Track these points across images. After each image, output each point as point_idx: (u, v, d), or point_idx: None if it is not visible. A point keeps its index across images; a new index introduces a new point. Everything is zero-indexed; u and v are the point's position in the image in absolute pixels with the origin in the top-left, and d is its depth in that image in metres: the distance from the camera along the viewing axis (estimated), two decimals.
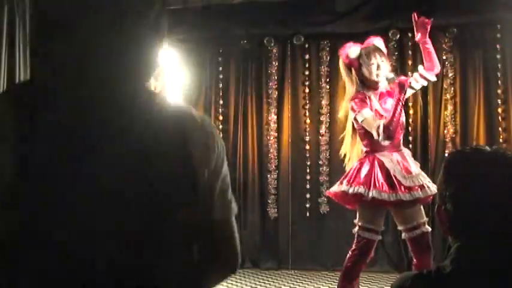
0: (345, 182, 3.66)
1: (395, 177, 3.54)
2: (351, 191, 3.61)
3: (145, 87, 1.10)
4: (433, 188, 3.53)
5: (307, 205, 5.84)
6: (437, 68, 3.76)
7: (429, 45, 3.73)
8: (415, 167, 3.65)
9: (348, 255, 3.73)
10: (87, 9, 1.03)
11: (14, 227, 0.98)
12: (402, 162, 3.60)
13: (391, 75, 3.60)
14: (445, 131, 5.51)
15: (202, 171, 1.09)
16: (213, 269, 1.21)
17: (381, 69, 3.62)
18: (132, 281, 1.01)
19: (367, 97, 3.63)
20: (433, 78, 3.81)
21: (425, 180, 3.60)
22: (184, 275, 1.10)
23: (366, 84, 3.67)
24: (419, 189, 3.55)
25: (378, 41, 3.82)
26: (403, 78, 3.65)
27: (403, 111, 3.58)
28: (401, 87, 3.52)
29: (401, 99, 3.49)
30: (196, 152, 1.07)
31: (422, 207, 3.64)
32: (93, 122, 1.01)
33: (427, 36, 3.70)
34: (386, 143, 3.53)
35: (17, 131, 0.99)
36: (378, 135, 3.44)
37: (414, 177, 3.58)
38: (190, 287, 1.13)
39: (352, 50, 3.75)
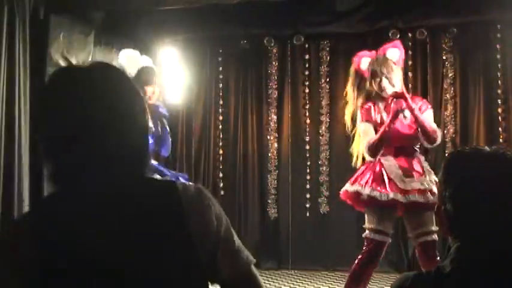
0: (349, 182, 3.75)
1: (392, 180, 3.58)
2: (350, 189, 3.68)
3: (142, 173, 1.22)
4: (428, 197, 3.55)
5: (307, 205, 5.84)
6: (433, 137, 3.65)
7: (416, 112, 3.61)
8: (420, 172, 3.65)
9: (357, 258, 3.71)
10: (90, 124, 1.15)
11: None
12: (404, 166, 3.63)
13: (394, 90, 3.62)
14: (445, 131, 5.51)
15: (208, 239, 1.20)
16: None
17: (386, 85, 3.64)
18: None
19: (375, 106, 3.69)
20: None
21: (432, 186, 3.58)
22: None
23: (376, 94, 3.71)
24: (416, 193, 3.55)
25: (390, 52, 3.75)
26: (399, 101, 3.60)
27: (400, 122, 3.61)
28: (394, 114, 3.58)
29: (389, 124, 3.56)
30: (201, 224, 1.19)
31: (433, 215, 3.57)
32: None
33: (409, 101, 3.61)
34: (371, 159, 3.66)
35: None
36: (366, 151, 3.62)
37: (416, 181, 3.59)
38: None
39: (363, 61, 3.78)
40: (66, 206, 1.15)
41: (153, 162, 4.25)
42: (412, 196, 3.54)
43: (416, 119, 3.59)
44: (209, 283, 1.23)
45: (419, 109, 3.64)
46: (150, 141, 4.11)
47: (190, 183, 1.31)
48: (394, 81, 3.65)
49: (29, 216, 1.23)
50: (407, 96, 3.63)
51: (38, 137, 1.22)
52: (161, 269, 1.12)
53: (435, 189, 3.52)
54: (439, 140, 3.69)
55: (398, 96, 3.59)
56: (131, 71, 4.20)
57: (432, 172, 3.70)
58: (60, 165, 1.17)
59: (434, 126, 3.69)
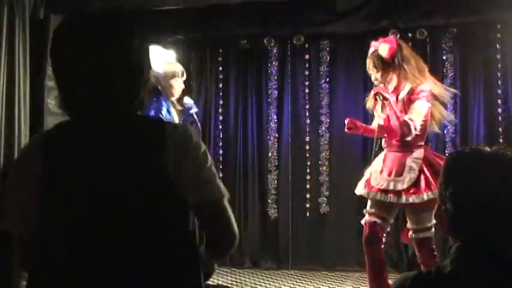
0: None
1: (371, 175, 3.67)
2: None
3: (133, 110, 1.43)
4: (413, 198, 3.52)
5: (307, 205, 5.84)
6: (402, 130, 3.55)
7: (391, 104, 3.56)
8: (399, 171, 3.59)
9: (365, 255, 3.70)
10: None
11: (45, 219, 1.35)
12: (390, 163, 3.63)
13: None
14: (445, 131, 5.51)
15: (184, 166, 1.38)
16: (210, 244, 1.49)
17: (374, 80, 3.72)
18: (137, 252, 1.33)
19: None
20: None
21: (399, 186, 3.55)
22: (183, 250, 1.40)
23: None
24: (391, 194, 3.57)
25: (373, 48, 3.76)
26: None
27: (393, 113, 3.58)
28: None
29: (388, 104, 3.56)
30: (177, 151, 1.38)
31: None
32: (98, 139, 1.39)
33: (386, 94, 3.60)
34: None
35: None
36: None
37: (392, 180, 3.59)
38: (189, 261, 1.41)
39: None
40: (71, 132, 1.42)
41: None
42: (385, 195, 3.59)
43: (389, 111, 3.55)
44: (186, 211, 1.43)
45: (412, 99, 3.54)
46: None
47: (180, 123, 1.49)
48: (380, 77, 3.63)
49: (44, 134, 1.49)
50: (387, 93, 3.58)
51: (52, 67, 1.44)
52: (134, 194, 1.34)
53: (401, 187, 3.54)
54: (412, 133, 3.50)
55: (376, 92, 3.61)
56: (155, 66, 4.13)
57: (415, 171, 3.57)
58: (67, 97, 1.41)
59: (409, 117, 3.48)
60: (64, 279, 1.33)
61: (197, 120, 4.38)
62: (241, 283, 5.29)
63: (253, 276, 5.54)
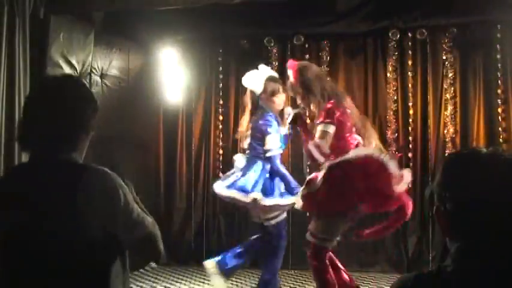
0: None
1: None
2: None
3: (62, 155, 1.73)
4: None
5: None
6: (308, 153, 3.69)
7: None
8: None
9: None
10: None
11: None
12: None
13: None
14: (445, 131, 5.51)
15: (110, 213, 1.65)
16: (140, 261, 1.88)
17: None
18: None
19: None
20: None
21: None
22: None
23: None
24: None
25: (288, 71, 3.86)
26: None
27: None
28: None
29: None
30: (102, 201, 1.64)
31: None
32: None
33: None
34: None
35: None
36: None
37: None
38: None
39: None
40: (14, 177, 1.79)
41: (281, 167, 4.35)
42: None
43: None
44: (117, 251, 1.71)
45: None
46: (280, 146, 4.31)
47: (100, 167, 1.71)
48: (300, 100, 3.83)
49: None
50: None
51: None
52: (57, 237, 1.60)
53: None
54: (315, 155, 3.58)
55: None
56: (256, 87, 4.31)
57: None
58: (22, 138, 1.77)
59: (315, 143, 3.54)
60: None
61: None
62: (241, 283, 5.29)
63: (253, 276, 5.53)
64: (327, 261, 3.67)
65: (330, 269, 3.66)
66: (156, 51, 6.01)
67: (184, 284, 5.28)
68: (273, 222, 4.28)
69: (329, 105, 3.59)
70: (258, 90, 4.31)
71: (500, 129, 5.41)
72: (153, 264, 5.95)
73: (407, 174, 3.50)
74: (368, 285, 5.16)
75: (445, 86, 5.55)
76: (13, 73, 4.26)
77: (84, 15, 5.10)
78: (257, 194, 4.11)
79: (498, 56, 5.41)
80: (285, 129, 4.40)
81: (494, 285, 1.21)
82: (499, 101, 5.42)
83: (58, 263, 1.61)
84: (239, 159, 4.43)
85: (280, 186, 4.26)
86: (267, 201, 4.15)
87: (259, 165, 4.24)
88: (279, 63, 5.96)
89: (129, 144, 5.56)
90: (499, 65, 5.40)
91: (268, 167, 4.28)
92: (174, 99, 6.05)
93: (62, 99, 1.76)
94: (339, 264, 3.80)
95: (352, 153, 3.44)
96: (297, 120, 3.73)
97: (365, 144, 3.63)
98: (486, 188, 1.25)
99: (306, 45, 5.91)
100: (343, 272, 3.78)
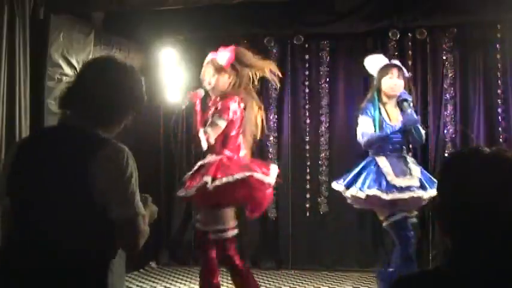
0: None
1: None
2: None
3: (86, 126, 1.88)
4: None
5: (307, 205, 5.84)
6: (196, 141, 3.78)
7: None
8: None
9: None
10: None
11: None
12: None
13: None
14: (445, 131, 5.51)
15: (108, 181, 1.78)
16: (118, 243, 1.87)
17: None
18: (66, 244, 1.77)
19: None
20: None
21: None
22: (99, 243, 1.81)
23: None
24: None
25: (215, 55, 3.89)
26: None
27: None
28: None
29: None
30: (103, 169, 1.78)
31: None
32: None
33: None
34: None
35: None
36: None
37: None
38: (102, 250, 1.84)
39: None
40: (33, 140, 2.03)
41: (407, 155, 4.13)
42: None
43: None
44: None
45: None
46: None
47: (120, 145, 1.84)
48: (207, 83, 3.83)
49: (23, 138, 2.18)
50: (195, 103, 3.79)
51: None
52: (62, 199, 1.78)
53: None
54: (203, 145, 3.69)
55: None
56: (373, 72, 4.17)
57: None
58: (62, 99, 1.98)
59: (203, 130, 3.71)
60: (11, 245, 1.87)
61: (410, 108, 4.05)
62: None
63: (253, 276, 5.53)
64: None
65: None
66: (156, 51, 6.00)
67: (184, 284, 5.28)
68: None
69: (231, 101, 3.75)
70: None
71: (500, 129, 5.40)
72: (153, 264, 5.96)
73: (274, 169, 3.81)
74: (368, 285, 5.16)
75: (445, 86, 5.55)
76: (13, 73, 4.25)
77: (84, 15, 5.10)
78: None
79: (498, 56, 5.41)
80: (389, 119, 4.10)
81: (492, 286, 1.21)
82: (499, 101, 5.42)
83: (61, 222, 1.77)
84: None
85: None
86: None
87: None
88: (279, 63, 5.96)
89: (129, 144, 5.55)
90: (499, 65, 5.40)
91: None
92: (174, 99, 6.05)
93: (115, 81, 1.90)
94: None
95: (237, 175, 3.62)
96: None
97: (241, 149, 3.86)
98: (487, 188, 1.24)
99: (306, 45, 5.91)
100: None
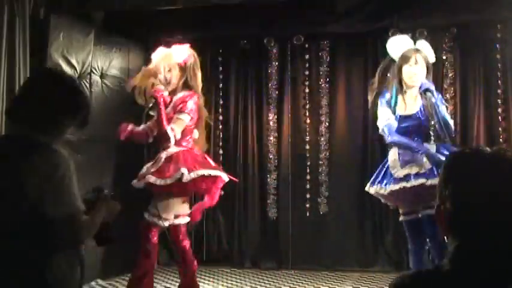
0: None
1: None
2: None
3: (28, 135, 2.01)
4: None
5: (307, 205, 5.84)
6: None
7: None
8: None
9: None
10: None
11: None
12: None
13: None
14: None
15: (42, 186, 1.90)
16: (57, 242, 1.95)
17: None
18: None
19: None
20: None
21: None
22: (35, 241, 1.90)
23: None
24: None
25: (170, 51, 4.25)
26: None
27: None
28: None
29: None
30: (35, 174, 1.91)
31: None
32: None
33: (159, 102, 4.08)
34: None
35: None
36: None
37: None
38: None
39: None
40: None
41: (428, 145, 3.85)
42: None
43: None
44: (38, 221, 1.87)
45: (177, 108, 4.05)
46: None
47: (57, 148, 1.99)
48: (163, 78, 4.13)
49: None
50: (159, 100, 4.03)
51: None
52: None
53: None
54: (171, 142, 4.01)
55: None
56: (395, 56, 3.98)
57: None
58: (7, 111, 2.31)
59: (170, 127, 4.00)
60: None
61: (434, 98, 3.81)
62: (241, 283, 5.29)
63: (253, 276, 5.53)
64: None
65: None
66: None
67: None
68: None
69: (191, 97, 4.10)
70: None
71: (500, 129, 5.40)
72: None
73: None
74: (368, 285, 5.15)
75: (445, 86, 5.55)
76: (13, 73, 4.26)
77: (84, 15, 5.10)
78: None
79: (498, 56, 5.41)
80: (405, 106, 3.97)
81: (492, 286, 1.21)
82: (499, 101, 5.42)
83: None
84: None
85: None
86: None
87: None
88: (279, 63, 5.97)
89: (128, 144, 5.54)
90: (499, 65, 5.40)
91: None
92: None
93: (52, 92, 2.07)
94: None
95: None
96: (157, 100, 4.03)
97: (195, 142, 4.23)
98: (487, 187, 1.24)
99: (306, 45, 5.91)
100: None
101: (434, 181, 3.61)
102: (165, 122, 3.97)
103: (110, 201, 2.12)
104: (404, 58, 3.91)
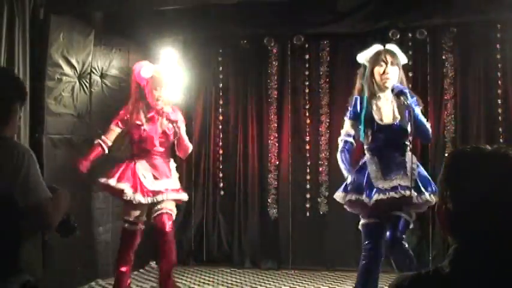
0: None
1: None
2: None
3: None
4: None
5: (307, 205, 5.84)
6: None
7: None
8: (168, 175, 4.49)
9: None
10: None
11: None
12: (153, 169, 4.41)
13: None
14: (445, 131, 5.51)
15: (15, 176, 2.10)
16: (27, 226, 2.17)
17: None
18: None
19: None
20: None
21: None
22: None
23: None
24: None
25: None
26: None
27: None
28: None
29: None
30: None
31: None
32: None
33: None
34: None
35: None
36: None
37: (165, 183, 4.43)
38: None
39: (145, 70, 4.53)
40: None
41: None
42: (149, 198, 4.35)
43: None
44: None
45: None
46: None
47: (17, 142, 2.30)
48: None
49: None
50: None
51: None
52: None
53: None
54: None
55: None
56: (364, 61, 3.98)
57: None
58: None
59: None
60: None
61: (409, 100, 3.63)
62: (241, 283, 5.29)
63: (253, 276, 5.54)
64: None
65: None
66: (156, 51, 5.99)
67: (184, 284, 5.27)
68: None
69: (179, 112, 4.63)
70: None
71: (500, 129, 5.40)
72: (153, 264, 5.95)
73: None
74: None
75: (445, 86, 5.55)
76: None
77: (84, 15, 5.09)
78: None
79: (498, 56, 5.41)
80: (382, 111, 3.84)
81: (492, 286, 1.21)
82: (499, 101, 5.42)
83: None
84: None
85: None
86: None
87: None
88: (279, 63, 5.97)
89: (129, 144, 5.54)
90: (499, 65, 5.40)
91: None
92: (174, 99, 6.04)
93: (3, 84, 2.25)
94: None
95: None
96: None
97: None
98: (488, 187, 1.23)
99: (306, 45, 5.91)
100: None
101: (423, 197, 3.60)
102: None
103: (62, 192, 2.29)
104: (375, 59, 3.81)
